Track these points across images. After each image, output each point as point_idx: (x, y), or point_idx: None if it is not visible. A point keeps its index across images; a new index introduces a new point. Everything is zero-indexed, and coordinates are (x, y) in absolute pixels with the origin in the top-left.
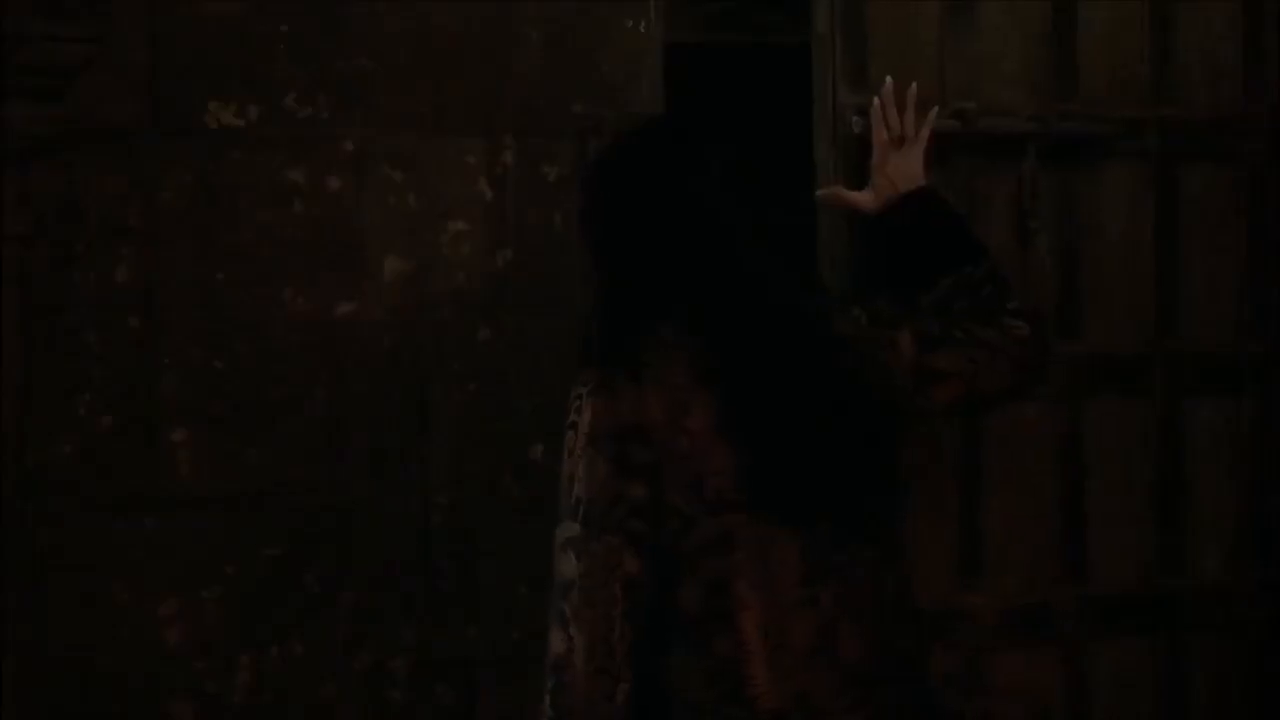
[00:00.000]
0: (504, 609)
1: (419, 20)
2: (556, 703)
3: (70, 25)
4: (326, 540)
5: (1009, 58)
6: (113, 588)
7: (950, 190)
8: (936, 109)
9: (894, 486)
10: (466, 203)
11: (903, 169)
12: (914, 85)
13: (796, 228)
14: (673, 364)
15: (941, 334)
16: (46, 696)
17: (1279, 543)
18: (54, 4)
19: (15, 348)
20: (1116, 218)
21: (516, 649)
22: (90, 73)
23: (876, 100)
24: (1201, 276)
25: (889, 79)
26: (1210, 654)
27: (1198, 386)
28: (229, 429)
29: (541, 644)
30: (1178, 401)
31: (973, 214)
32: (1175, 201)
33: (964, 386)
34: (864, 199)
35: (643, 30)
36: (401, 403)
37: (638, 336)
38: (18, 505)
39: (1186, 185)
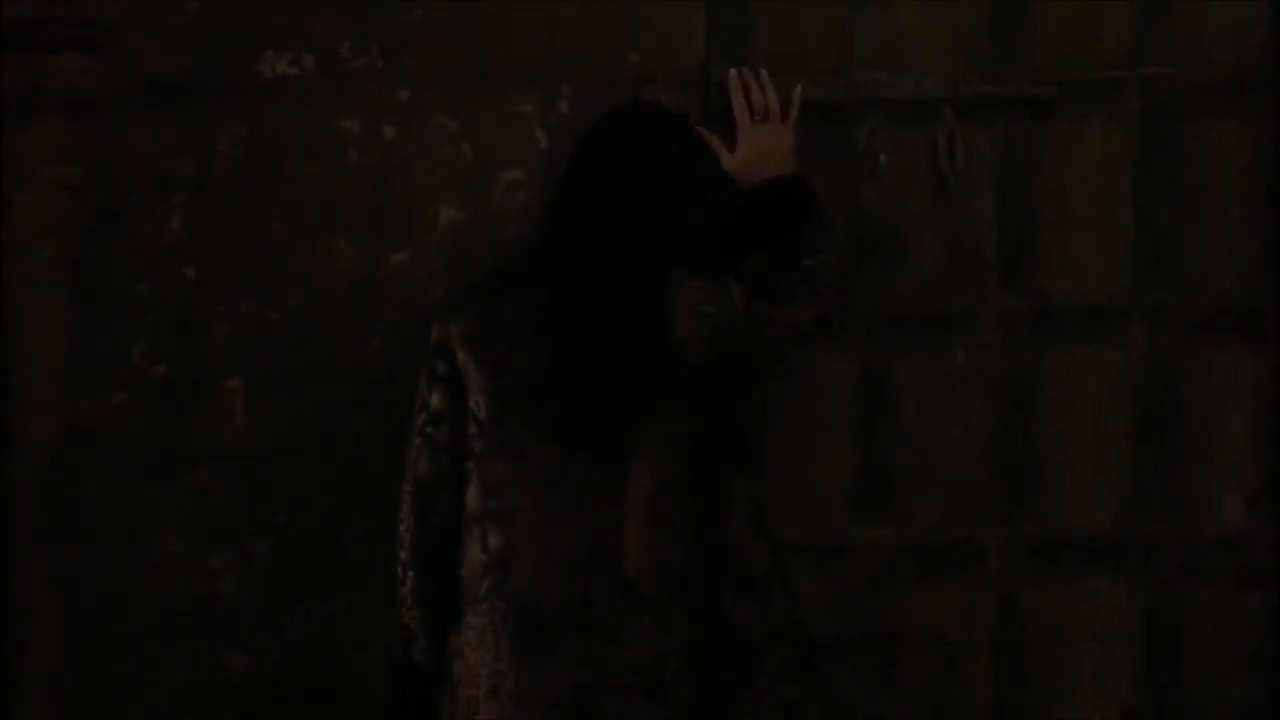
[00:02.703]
0: None
1: None
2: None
3: None
4: (378, 492)
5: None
6: (163, 539)
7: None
8: (800, 87)
9: (673, 420)
10: (520, 152)
11: (770, 144)
12: (763, 72)
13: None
14: (506, 299)
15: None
16: (97, 647)
17: None
18: None
19: (65, 299)
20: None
21: None
22: (140, 24)
23: (733, 73)
24: (1193, 230)
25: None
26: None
27: (1199, 336)
28: (281, 380)
29: None
30: (1160, 350)
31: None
32: (1159, 158)
33: (784, 329)
34: (730, 163)
35: None
36: None
37: (507, 273)
38: (69, 457)
39: (1170, 142)
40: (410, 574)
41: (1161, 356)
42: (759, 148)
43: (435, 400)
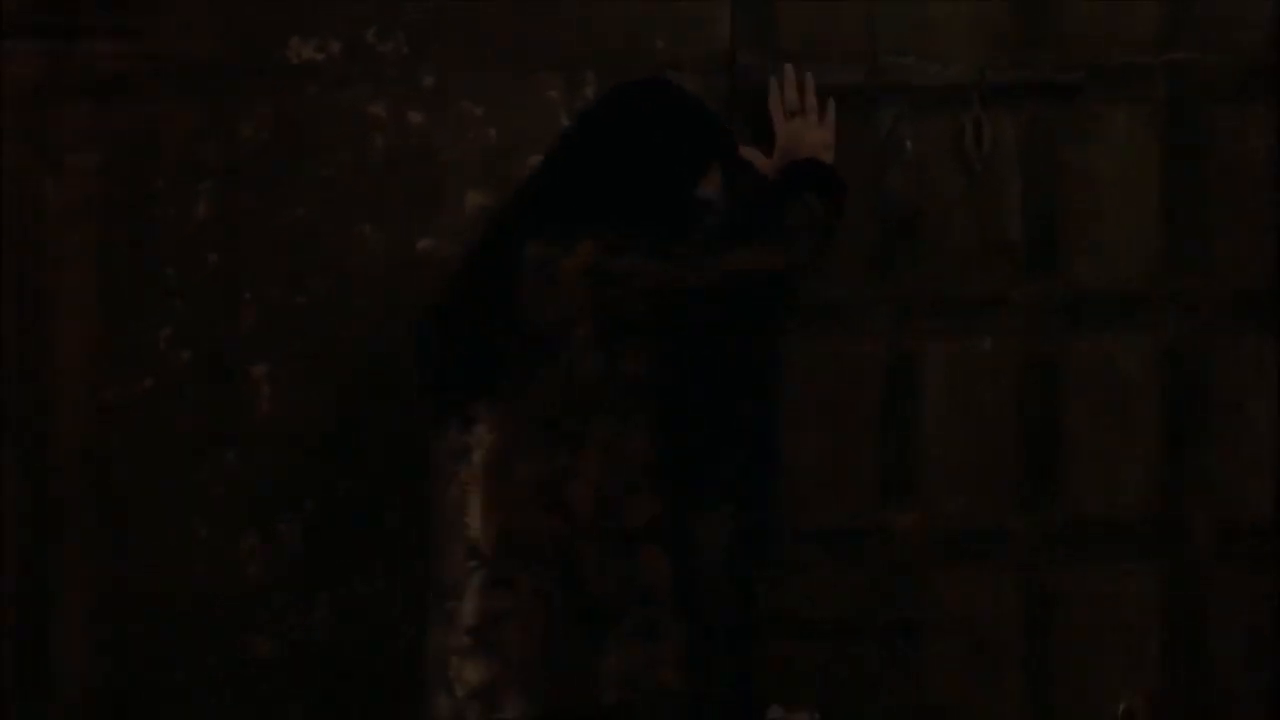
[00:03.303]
0: None
1: None
2: None
3: None
4: (406, 475)
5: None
6: (192, 523)
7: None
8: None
9: (519, 383)
10: (547, 137)
11: (805, 139)
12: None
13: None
14: None
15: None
16: (126, 632)
17: None
18: None
19: (93, 283)
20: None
21: None
22: (168, 9)
23: (773, 80)
24: (1221, 215)
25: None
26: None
27: (1228, 321)
28: (308, 364)
29: None
30: (1188, 335)
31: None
32: (1186, 143)
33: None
34: (766, 166)
35: None
36: None
37: None
38: (97, 441)
39: (1197, 127)
40: None
41: (1190, 342)
42: (795, 143)
43: None
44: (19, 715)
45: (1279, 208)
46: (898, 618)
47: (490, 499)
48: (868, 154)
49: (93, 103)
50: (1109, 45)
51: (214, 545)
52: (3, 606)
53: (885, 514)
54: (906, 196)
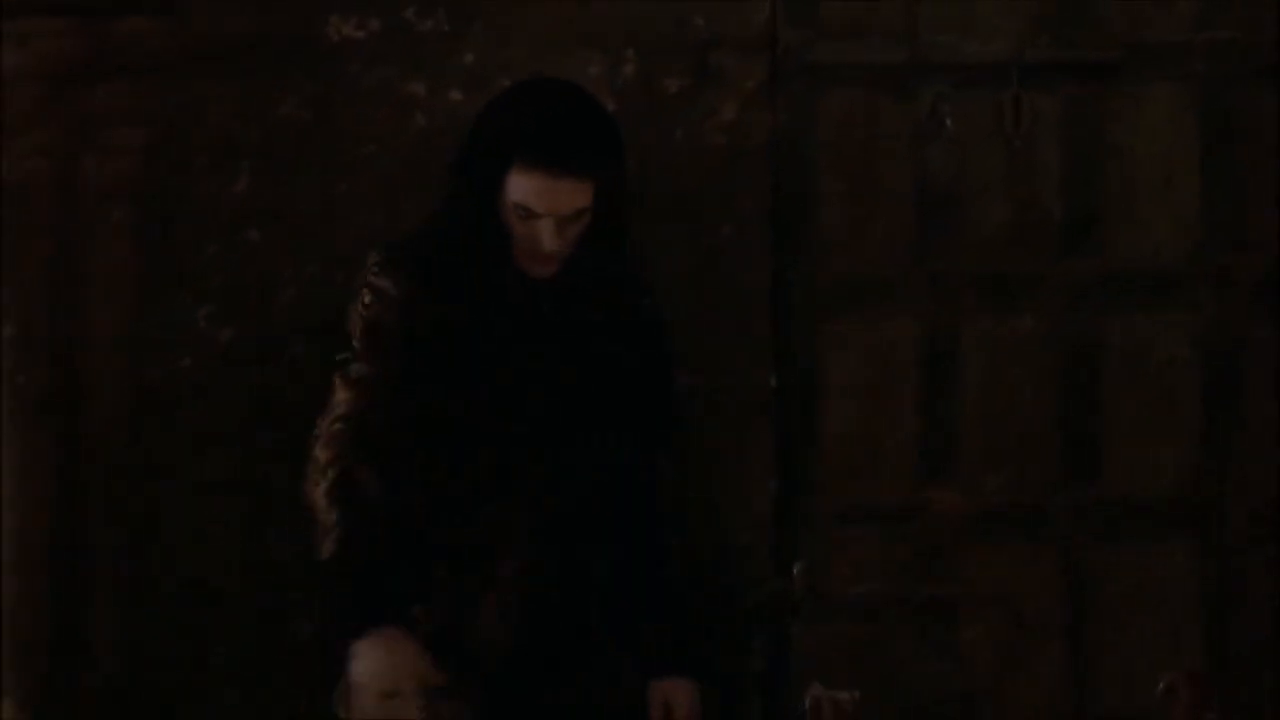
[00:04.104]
0: None
1: None
2: None
3: None
4: None
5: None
6: (230, 502)
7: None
8: None
9: None
10: None
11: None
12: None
13: None
14: None
15: None
16: (162, 616)
17: None
18: None
19: (131, 262)
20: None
21: None
22: None
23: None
24: (1259, 193)
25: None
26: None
27: (1266, 300)
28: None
29: None
30: (1226, 314)
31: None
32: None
33: None
34: None
35: None
36: None
37: None
38: (137, 420)
39: (1237, 106)
40: None
41: (1228, 321)
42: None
43: None
44: (57, 689)
45: None
46: (936, 596)
47: None
48: (908, 132)
49: (132, 81)
50: (1147, 24)
51: (252, 525)
52: (41, 584)
53: (924, 493)
54: (945, 174)
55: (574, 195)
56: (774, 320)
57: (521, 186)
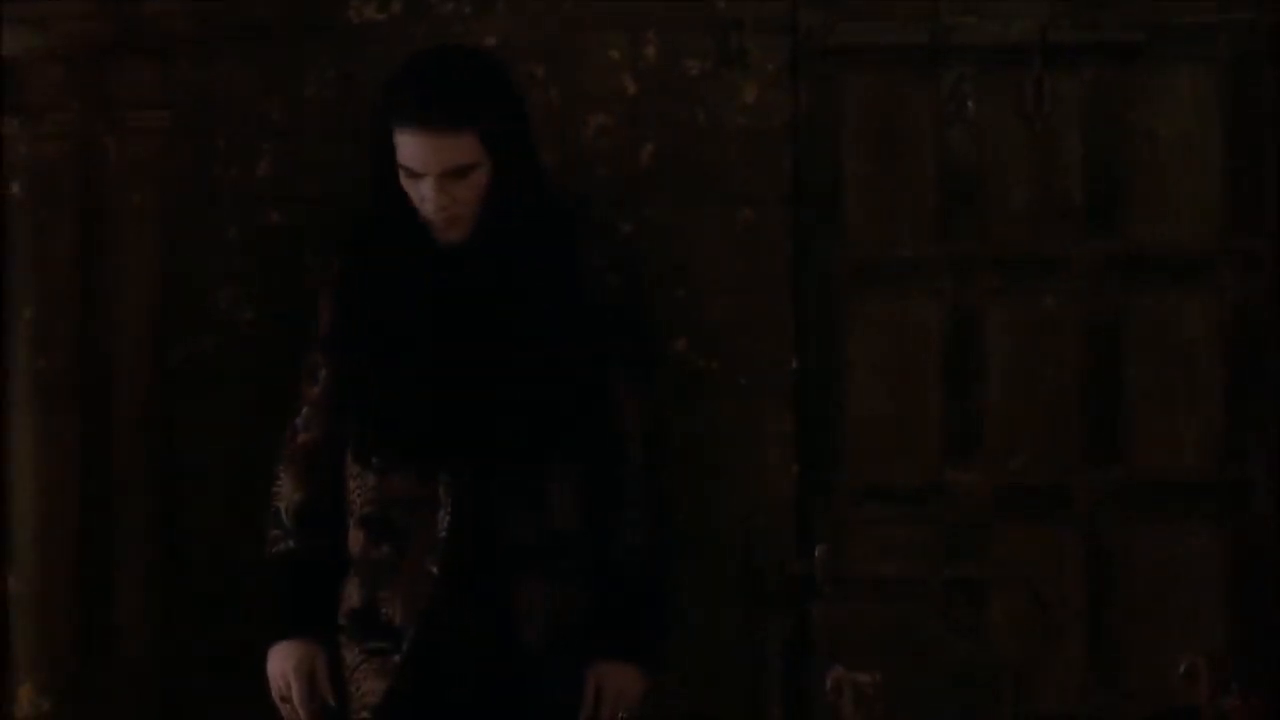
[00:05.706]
0: None
1: None
2: None
3: None
4: None
5: None
6: (254, 484)
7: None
8: None
9: None
10: (608, 97)
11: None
12: None
13: None
14: None
15: None
16: (190, 590)
17: None
18: None
19: (155, 242)
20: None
21: None
22: None
23: None
24: None
25: None
26: None
27: None
28: None
29: None
30: (1249, 295)
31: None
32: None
33: None
34: None
35: None
36: None
37: None
38: (158, 402)
39: (1261, 86)
40: None
41: (1250, 302)
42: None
43: None
44: (80, 676)
45: None
46: (959, 577)
47: None
48: (930, 114)
49: (156, 61)
50: (1170, 5)
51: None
52: (64, 569)
53: (948, 473)
54: (967, 156)
55: (453, 151)
56: (796, 302)
57: (401, 148)
